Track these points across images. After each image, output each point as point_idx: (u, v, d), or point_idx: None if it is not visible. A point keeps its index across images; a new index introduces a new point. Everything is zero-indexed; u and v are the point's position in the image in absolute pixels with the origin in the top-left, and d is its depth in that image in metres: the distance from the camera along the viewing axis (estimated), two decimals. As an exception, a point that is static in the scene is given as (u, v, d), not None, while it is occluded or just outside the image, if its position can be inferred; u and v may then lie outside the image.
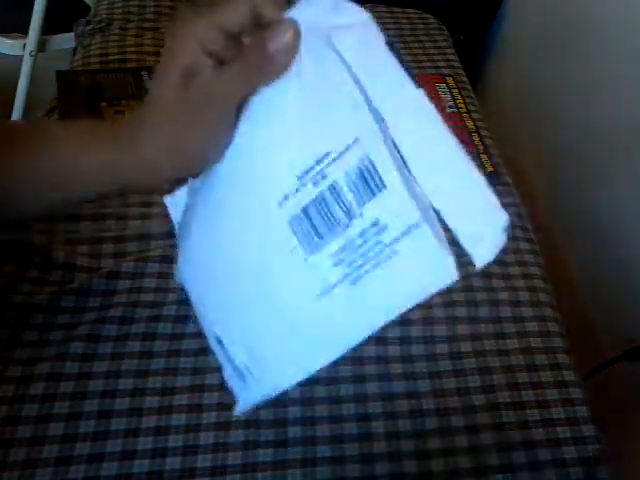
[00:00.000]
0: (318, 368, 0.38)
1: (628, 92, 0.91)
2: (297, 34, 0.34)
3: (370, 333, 0.35)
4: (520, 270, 0.69)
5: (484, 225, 0.32)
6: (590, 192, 1.01)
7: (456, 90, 0.91)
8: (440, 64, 0.97)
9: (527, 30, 1.24)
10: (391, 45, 0.35)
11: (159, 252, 0.64)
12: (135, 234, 0.66)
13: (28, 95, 1.32)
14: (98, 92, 0.82)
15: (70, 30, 1.04)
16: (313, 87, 0.35)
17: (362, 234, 0.34)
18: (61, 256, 0.62)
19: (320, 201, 0.35)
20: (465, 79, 0.96)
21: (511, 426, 0.57)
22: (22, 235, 0.64)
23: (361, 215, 0.34)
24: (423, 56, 0.98)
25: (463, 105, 0.89)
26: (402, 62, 0.34)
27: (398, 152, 0.33)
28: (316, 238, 0.36)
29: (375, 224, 0.33)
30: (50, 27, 1.34)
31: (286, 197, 0.37)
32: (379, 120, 0.33)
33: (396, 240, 0.32)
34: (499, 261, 0.69)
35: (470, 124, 0.86)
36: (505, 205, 0.78)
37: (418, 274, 0.33)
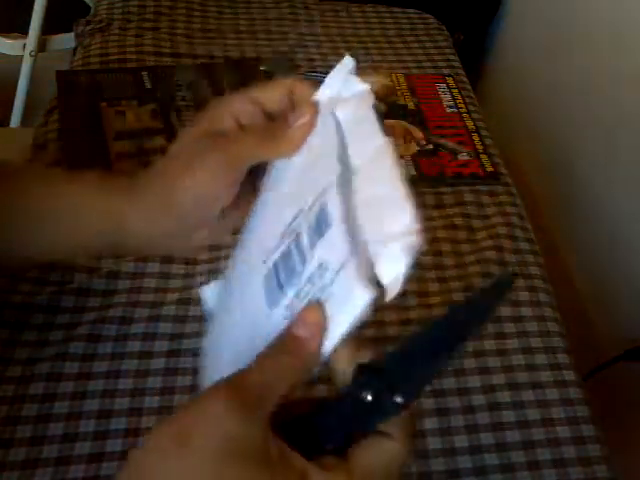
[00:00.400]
0: None
1: (628, 92, 0.91)
2: (315, 116, 0.37)
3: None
4: (520, 270, 0.69)
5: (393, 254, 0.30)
6: (590, 192, 1.01)
7: (456, 90, 0.92)
8: (440, 64, 0.97)
9: (527, 30, 1.24)
10: (375, 105, 0.38)
11: (159, 252, 0.64)
12: (135, 234, 0.66)
13: (28, 95, 1.32)
14: (98, 92, 0.82)
15: (70, 30, 1.04)
16: (313, 152, 0.37)
17: (310, 279, 0.33)
18: (61, 256, 0.62)
19: (286, 253, 0.36)
20: (465, 79, 0.96)
21: (511, 426, 0.57)
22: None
23: (311, 258, 0.33)
24: (423, 56, 0.98)
25: (463, 105, 0.89)
26: (379, 116, 0.37)
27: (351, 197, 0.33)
28: (278, 290, 0.36)
29: (320, 266, 0.33)
30: (50, 27, 1.34)
31: (268, 255, 0.38)
32: (345, 170, 0.34)
33: (332, 281, 0.32)
34: (499, 261, 0.69)
35: (470, 124, 0.86)
36: (505, 205, 0.78)
37: (343, 310, 0.31)
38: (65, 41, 1.31)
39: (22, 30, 1.33)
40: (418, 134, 0.83)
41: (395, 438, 0.30)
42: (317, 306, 0.32)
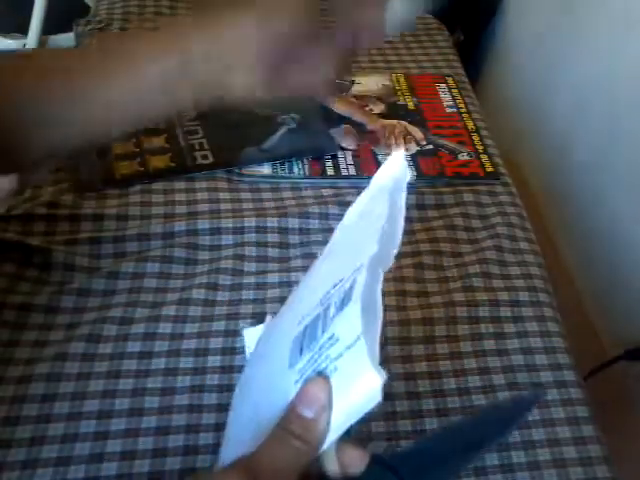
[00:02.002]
0: None
1: (627, 92, 0.91)
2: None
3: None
4: (520, 270, 0.69)
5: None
6: (590, 192, 1.01)
7: (456, 90, 0.92)
8: (440, 64, 0.97)
9: (527, 30, 1.24)
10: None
11: (159, 252, 0.64)
12: (135, 234, 0.66)
13: (28, 95, 1.32)
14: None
15: (70, 30, 1.04)
16: (365, 221, 0.39)
17: (320, 348, 0.33)
18: (61, 256, 0.62)
19: (315, 320, 0.36)
20: (465, 79, 0.96)
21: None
22: (22, 235, 0.64)
23: (326, 330, 0.34)
24: (423, 56, 0.98)
25: (463, 105, 0.89)
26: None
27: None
28: (298, 353, 0.35)
29: (331, 337, 0.33)
30: (50, 27, 1.34)
31: (304, 317, 0.37)
32: (380, 253, 0.34)
33: (340, 355, 0.32)
34: (499, 261, 0.69)
35: (470, 124, 0.86)
36: (505, 205, 0.78)
37: (349, 394, 0.31)
38: (65, 41, 1.31)
39: (22, 30, 1.33)
40: (418, 134, 0.83)
41: None
42: (321, 381, 0.32)
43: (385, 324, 0.62)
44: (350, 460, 0.32)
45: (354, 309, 0.31)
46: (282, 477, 0.31)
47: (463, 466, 0.31)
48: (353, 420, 0.31)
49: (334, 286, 0.36)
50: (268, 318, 0.51)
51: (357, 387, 0.30)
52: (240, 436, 0.40)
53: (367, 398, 0.30)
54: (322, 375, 0.32)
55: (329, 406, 0.31)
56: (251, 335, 0.53)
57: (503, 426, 0.32)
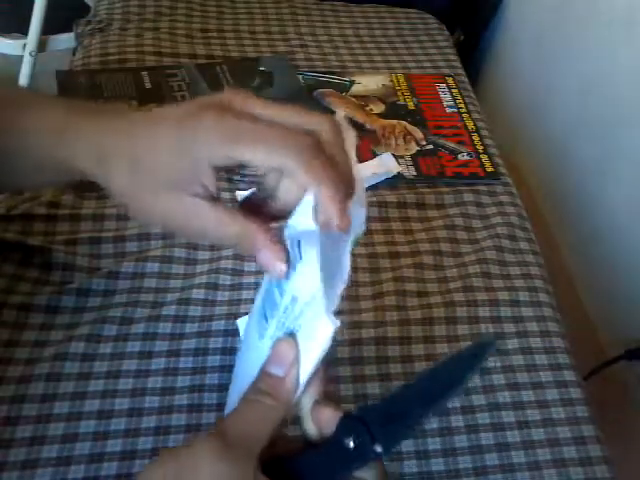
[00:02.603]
0: None
1: (627, 92, 0.91)
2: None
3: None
4: (520, 270, 0.69)
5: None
6: (590, 192, 1.01)
7: (456, 90, 0.92)
8: (440, 64, 0.97)
9: (527, 30, 1.24)
10: None
11: (159, 252, 0.64)
12: (135, 234, 0.66)
13: (28, 95, 1.32)
14: (98, 92, 0.82)
15: (70, 30, 1.04)
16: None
17: (285, 310, 0.34)
18: (61, 256, 0.62)
19: (269, 286, 0.37)
20: (465, 79, 0.96)
21: (511, 426, 0.57)
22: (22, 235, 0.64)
23: (285, 291, 0.35)
24: (423, 56, 0.98)
25: (463, 105, 0.89)
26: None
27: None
28: (264, 322, 0.37)
29: (292, 298, 0.34)
30: (50, 27, 1.34)
31: (262, 289, 0.39)
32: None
33: (301, 312, 0.33)
34: (499, 261, 0.69)
35: (470, 124, 0.86)
36: (505, 205, 0.78)
37: (310, 342, 0.32)
38: (65, 41, 1.31)
39: (22, 30, 1.33)
40: (418, 134, 0.83)
41: None
42: (288, 341, 0.33)
43: (385, 323, 0.62)
44: (326, 419, 0.33)
45: (309, 268, 0.33)
46: (254, 436, 0.31)
47: (427, 413, 0.33)
48: (313, 369, 0.33)
49: None
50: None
51: (316, 337, 0.32)
52: None
53: (322, 344, 0.32)
54: (289, 334, 0.33)
55: (296, 362, 0.33)
56: (243, 324, 0.54)
57: (463, 373, 0.33)
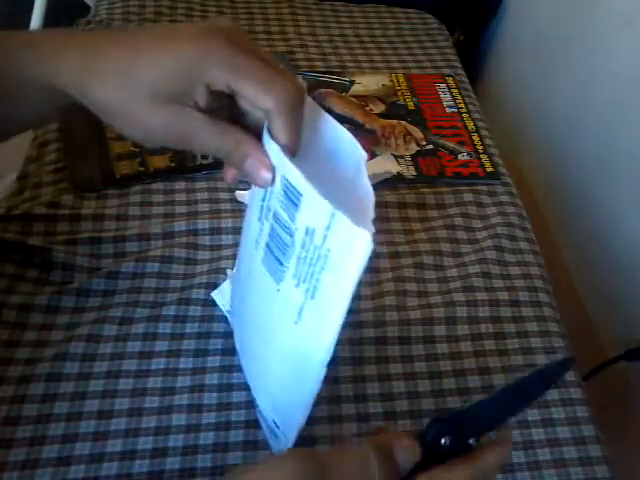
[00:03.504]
0: (313, 397, 0.41)
1: (627, 92, 0.91)
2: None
3: (333, 346, 0.37)
4: (520, 270, 0.69)
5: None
6: (590, 192, 1.01)
7: (456, 90, 0.92)
8: (440, 64, 0.97)
9: (526, 30, 1.24)
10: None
11: (159, 252, 0.64)
12: (135, 234, 0.66)
13: (28, 95, 1.32)
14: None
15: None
16: None
17: (303, 245, 0.36)
18: (61, 256, 0.62)
19: (272, 232, 0.38)
20: (465, 79, 0.96)
21: (511, 426, 0.57)
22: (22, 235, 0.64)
23: (296, 229, 0.36)
24: (423, 56, 0.98)
25: (463, 105, 0.89)
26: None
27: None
28: (278, 266, 0.38)
29: (307, 232, 0.35)
30: (50, 27, 1.34)
31: (257, 240, 0.40)
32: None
33: (325, 238, 0.34)
34: (499, 261, 0.69)
35: (470, 124, 0.86)
36: (505, 205, 0.78)
37: (349, 258, 0.34)
38: (65, 41, 1.31)
39: (22, 30, 1.33)
40: (418, 134, 0.83)
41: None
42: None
43: (385, 323, 0.62)
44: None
45: (312, 197, 0.34)
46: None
47: (506, 420, 0.39)
48: (358, 278, 0.34)
49: (263, 200, 0.39)
50: (229, 272, 0.56)
51: (352, 251, 0.33)
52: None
53: (364, 253, 0.33)
54: (320, 259, 0.35)
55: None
56: (220, 295, 0.59)
57: (542, 389, 0.40)
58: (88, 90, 0.38)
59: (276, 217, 0.38)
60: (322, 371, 0.38)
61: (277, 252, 0.38)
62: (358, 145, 0.38)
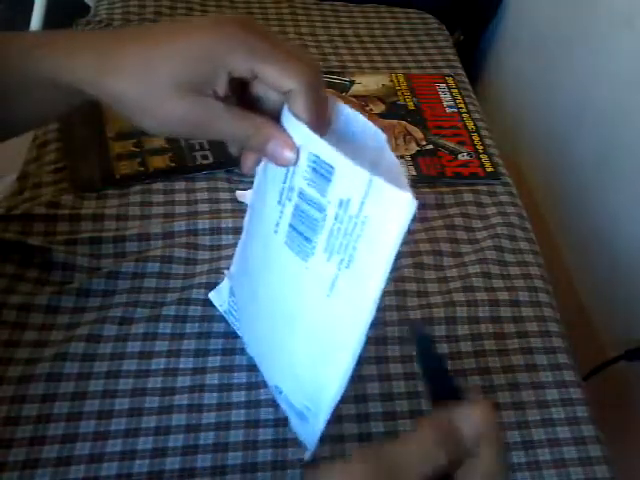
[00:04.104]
0: (351, 368, 0.40)
1: (627, 92, 0.91)
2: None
3: (374, 310, 0.38)
4: (520, 270, 0.69)
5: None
6: (590, 192, 1.01)
7: (456, 90, 0.92)
8: (440, 64, 0.97)
9: (526, 30, 1.24)
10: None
11: (159, 252, 0.64)
12: (135, 234, 0.66)
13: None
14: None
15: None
16: None
17: (337, 217, 0.37)
18: (61, 256, 0.62)
19: (297, 211, 0.39)
20: (465, 79, 0.96)
21: (511, 426, 0.57)
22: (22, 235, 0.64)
23: (329, 202, 0.37)
24: (423, 56, 0.98)
25: (463, 105, 0.89)
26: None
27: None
28: (306, 243, 0.39)
29: (341, 204, 0.36)
30: (50, 27, 1.34)
31: (277, 224, 0.41)
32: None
33: (362, 205, 0.35)
34: (499, 261, 0.69)
35: (470, 124, 0.86)
36: (505, 205, 0.78)
37: (390, 222, 0.34)
38: (65, 41, 1.31)
39: (22, 30, 1.33)
40: (418, 134, 0.83)
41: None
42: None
43: (385, 323, 0.62)
44: None
45: (346, 168, 0.35)
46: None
47: None
48: (400, 240, 0.34)
49: (284, 181, 0.39)
50: (226, 272, 0.57)
51: (393, 214, 0.33)
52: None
53: (406, 215, 0.33)
54: (357, 228, 0.35)
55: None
56: (217, 296, 0.59)
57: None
58: (105, 86, 0.38)
59: (302, 195, 0.38)
60: (364, 333, 0.39)
61: (304, 229, 0.39)
62: (374, 126, 0.40)
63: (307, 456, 0.48)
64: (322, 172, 0.37)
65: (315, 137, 0.36)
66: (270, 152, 0.38)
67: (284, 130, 0.38)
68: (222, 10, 1.02)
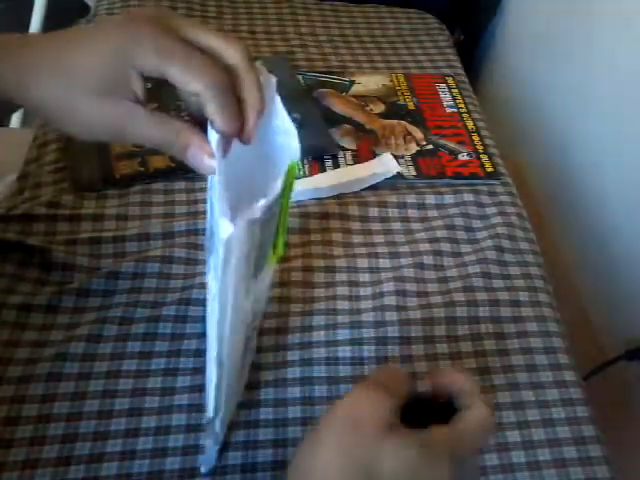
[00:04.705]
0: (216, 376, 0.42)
1: (628, 91, 0.91)
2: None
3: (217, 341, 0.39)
4: (520, 270, 0.69)
5: None
6: (590, 192, 1.01)
7: (456, 90, 0.92)
8: (440, 64, 0.97)
9: (527, 30, 1.24)
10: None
11: (159, 252, 0.64)
12: (135, 234, 0.66)
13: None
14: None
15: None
16: None
17: (212, 234, 0.37)
18: (61, 256, 0.62)
19: (210, 219, 0.40)
20: (465, 79, 0.96)
21: (511, 426, 0.57)
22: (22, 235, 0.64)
23: (214, 218, 0.37)
24: (423, 56, 0.98)
25: (463, 105, 0.89)
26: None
27: None
28: (209, 254, 0.40)
29: (216, 220, 0.35)
30: (50, 27, 1.34)
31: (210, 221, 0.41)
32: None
33: (218, 226, 0.35)
34: (499, 261, 0.69)
35: (470, 124, 0.86)
36: (505, 205, 0.78)
37: (220, 251, 0.34)
38: (65, 41, 1.31)
39: (22, 30, 1.33)
40: (418, 134, 0.83)
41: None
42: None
43: (385, 323, 0.62)
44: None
45: (216, 184, 0.35)
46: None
47: None
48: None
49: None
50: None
51: (220, 242, 0.33)
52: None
53: (224, 246, 0.33)
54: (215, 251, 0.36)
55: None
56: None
57: None
58: (25, 89, 0.37)
59: (212, 204, 0.38)
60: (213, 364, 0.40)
61: (210, 239, 0.39)
62: (296, 141, 0.39)
63: (204, 468, 0.51)
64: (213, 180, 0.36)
65: (213, 144, 0.36)
66: (191, 159, 0.37)
67: (203, 136, 0.37)
68: (222, 10, 1.02)
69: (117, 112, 0.37)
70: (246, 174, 0.37)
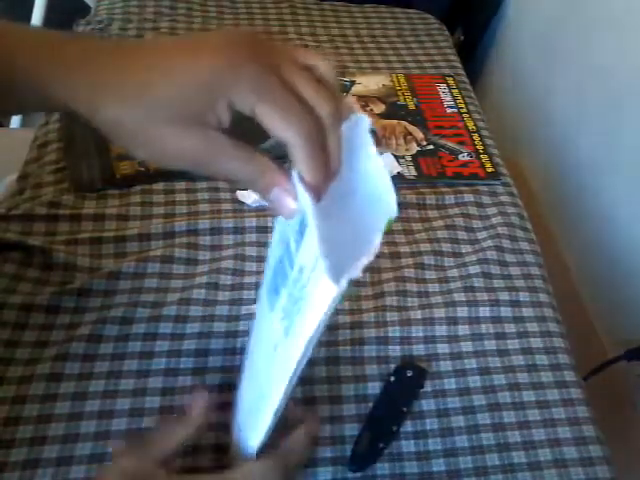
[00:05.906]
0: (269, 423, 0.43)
1: (627, 92, 0.91)
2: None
3: (290, 382, 0.37)
4: (520, 270, 0.69)
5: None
6: (590, 192, 1.01)
7: (456, 90, 0.92)
8: (440, 64, 0.97)
9: (527, 30, 1.24)
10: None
11: (159, 252, 0.64)
12: (136, 234, 0.66)
13: (28, 95, 1.32)
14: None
15: (70, 30, 1.04)
16: None
17: (294, 282, 0.34)
18: (62, 256, 0.62)
19: (280, 259, 0.37)
20: (465, 79, 0.96)
21: (512, 426, 0.57)
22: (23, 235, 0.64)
23: (296, 261, 0.35)
24: (423, 56, 0.98)
25: (463, 105, 0.89)
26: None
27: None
28: (275, 294, 0.38)
29: (300, 269, 0.34)
30: (50, 27, 1.34)
31: (269, 263, 0.40)
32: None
33: (308, 279, 0.32)
34: (499, 261, 0.69)
35: (470, 124, 0.86)
36: (506, 205, 0.78)
37: (314, 308, 0.32)
38: (65, 41, 1.31)
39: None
40: (418, 134, 0.83)
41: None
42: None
43: (386, 323, 0.62)
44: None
45: (311, 233, 0.32)
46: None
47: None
48: (315, 334, 0.33)
49: (288, 223, 0.37)
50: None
51: (315, 299, 0.31)
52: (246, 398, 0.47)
53: (320, 307, 0.31)
54: (300, 301, 0.33)
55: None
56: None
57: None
58: (99, 109, 0.35)
59: (287, 244, 0.36)
60: (281, 399, 0.39)
61: (279, 280, 0.37)
62: (394, 196, 0.35)
63: None
64: (302, 229, 0.34)
65: (302, 191, 0.33)
66: (272, 199, 0.35)
67: (288, 178, 0.35)
68: (222, 10, 1.02)
69: (201, 144, 0.34)
70: (334, 223, 0.34)
